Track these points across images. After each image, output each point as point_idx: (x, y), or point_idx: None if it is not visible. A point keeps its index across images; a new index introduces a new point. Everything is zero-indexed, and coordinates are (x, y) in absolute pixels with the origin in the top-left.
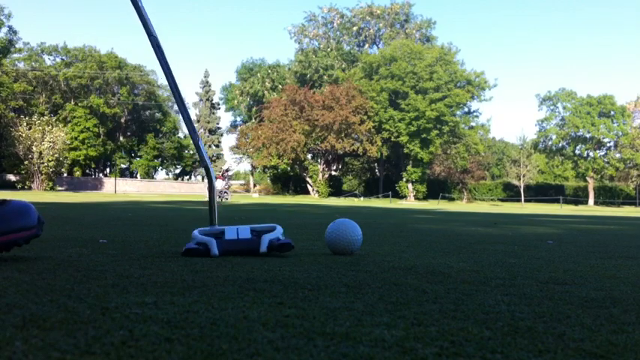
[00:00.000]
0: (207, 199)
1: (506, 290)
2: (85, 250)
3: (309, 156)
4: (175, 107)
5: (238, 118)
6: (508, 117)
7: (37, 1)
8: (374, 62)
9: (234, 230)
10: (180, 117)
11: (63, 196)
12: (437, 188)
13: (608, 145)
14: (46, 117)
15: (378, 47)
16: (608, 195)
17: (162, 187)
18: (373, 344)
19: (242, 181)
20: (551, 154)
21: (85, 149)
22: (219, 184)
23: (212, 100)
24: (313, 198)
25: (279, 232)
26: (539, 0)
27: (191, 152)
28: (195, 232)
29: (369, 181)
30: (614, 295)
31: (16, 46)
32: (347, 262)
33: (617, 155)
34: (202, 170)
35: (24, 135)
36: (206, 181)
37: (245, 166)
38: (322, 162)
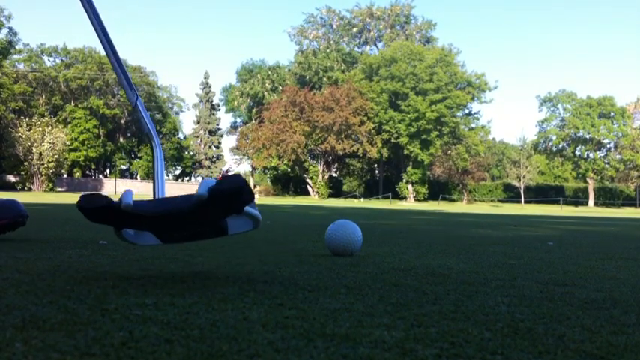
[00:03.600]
0: None
1: (507, 291)
2: (85, 252)
3: (309, 157)
4: (175, 108)
5: (238, 120)
6: (508, 118)
7: (37, 2)
8: (374, 63)
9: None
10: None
11: (63, 197)
12: (437, 189)
13: (608, 146)
14: (46, 118)
15: (378, 48)
16: (608, 196)
17: None
18: (373, 345)
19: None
20: (551, 155)
21: (85, 150)
22: None
23: (212, 101)
24: (313, 199)
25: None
26: (539, 1)
27: (191, 153)
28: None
29: (369, 183)
30: (614, 296)
31: (16, 47)
32: (347, 263)
33: (617, 156)
34: (202, 171)
35: (24, 136)
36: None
37: (245, 167)
38: (322, 163)
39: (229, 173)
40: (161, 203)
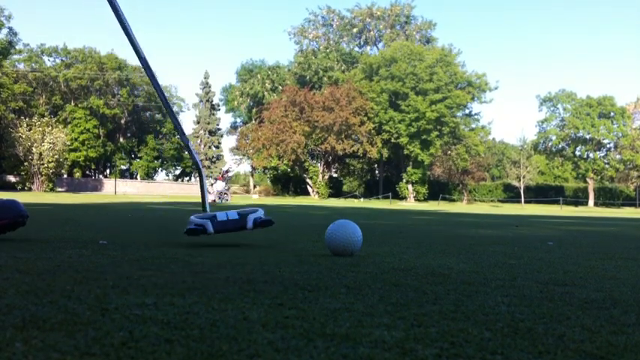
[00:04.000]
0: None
1: (507, 291)
2: (85, 252)
3: (309, 157)
4: (175, 108)
5: (238, 120)
6: (508, 118)
7: (37, 2)
8: (374, 63)
9: (223, 214)
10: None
11: (63, 197)
12: (437, 189)
13: (608, 146)
14: (46, 118)
15: (378, 48)
16: (608, 196)
17: (162, 188)
18: (373, 345)
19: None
20: (551, 155)
21: (85, 150)
22: (219, 186)
23: (212, 101)
24: (313, 199)
25: (261, 212)
26: (539, 1)
27: None
28: (192, 217)
29: (369, 182)
30: (614, 296)
31: (16, 47)
32: (347, 263)
33: (617, 156)
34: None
35: (24, 136)
36: (209, 181)
37: (245, 167)
38: (322, 163)
39: (229, 173)
40: (221, 225)
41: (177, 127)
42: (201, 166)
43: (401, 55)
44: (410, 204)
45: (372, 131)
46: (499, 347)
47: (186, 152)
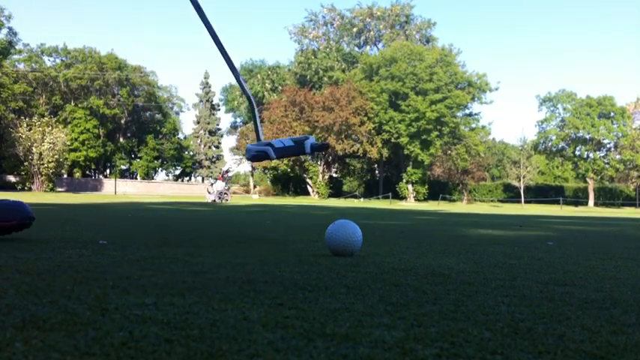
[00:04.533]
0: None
1: (507, 291)
2: (85, 252)
3: (309, 157)
4: (175, 108)
5: (238, 120)
6: (508, 118)
7: (37, 2)
8: (374, 63)
9: (279, 142)
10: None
11: (63, 197)
12: (437, 189)
13: (608, 146)
14: (46, 118)
15: (378, 48)
16: (608, 196)
17: (162, 188)
18: (373, 345)
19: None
20: (551, 155)
21: (85, 150)
22: (218, 185)
23: (212, 101)
24: (313, 199)
25: (312, 139)
26: (539, 1)
27: (191, 153)
28: (249, 145)
29: (369, 182)
30: (614, 296)
31: (16, 47)
32: (347, 263)
33: (617, 156)
34: (202, 171)
35: (24, 136)
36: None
37: (245, 167)
38: (322, 163)
39: (229, 173)
40: (280, 151)
41: (230, 66)
42: (253, 100)
43: (401, 55)
44: (410, 204)
45: (372, 131)
46: (499, 347)
47: (194, 154)
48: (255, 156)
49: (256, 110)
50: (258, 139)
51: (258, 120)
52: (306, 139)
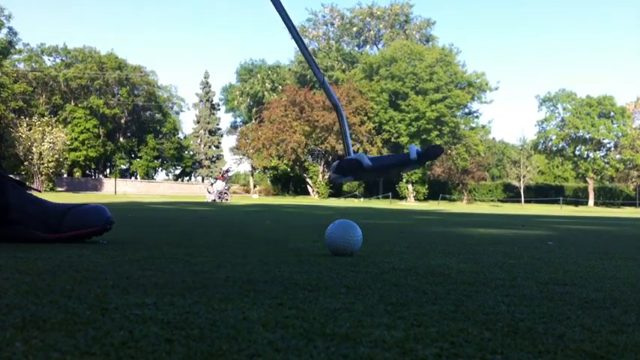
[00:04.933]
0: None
1: (507, 291)
2: (85, 251)
3: (310, 157)
4: (175, 108)
5: (238, 119)
6: (508, 118)
7: (37, 2)
8: (374, 63)
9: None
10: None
11: (63, 197)
12: (437, 189)
13: (608, 145)
14: (46, 118)
15: (378, 48)
16: (608, 196)
17: (162, 188)
18: (373, 345)
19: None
20: (551, 155)
21: (85, 150)
22: (219, 185)
23: (212, 101)
24: (313, 199)
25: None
26: (539, 1)
27: (191, 153)
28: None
29: (369, 182)
30: (614, 295)
31: (16, 47)
32: (347, 263)
33: (617, 156)
34: (202, 171)
35: (24, 136)
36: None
37: (245, 167)
38: (322, 163)
39: (229, 173)
40: (379, 160)
41: (312, 64)
42: (340, 107)
43: (401, 54)
44: (410, 204)
45: (372, 131)
46: (499, 347)
47: (195, 154)
48: (341, 168)
49: (345, 120)
50: (348, 154)
51: (347, 131)
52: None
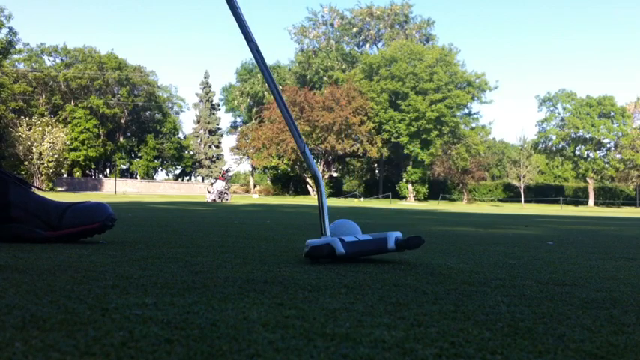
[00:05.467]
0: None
1: (507, 291)
2: (85, 251)
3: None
4: (175, 108)
5: (238, 119)
6: (508, 118)
7: (37, 2)
8: (374, 63)
9: (352, 237)
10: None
11: (63, 197)
12: (437, 189)
13: (608, 145)
14: (46, 118)
15: (378, 48)
16: (608, 196)
17: (162, 188)
18: (373, 345)
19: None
20: (551, 155)
21: (85, 150)
22: (219, 185)
23: (212, 100)
24: (313, 199)
25: (398, 233)
26: (539, 1)
27: (191, 153)
28: (310, 240)
29: (369, 182)
30: (614, 296)
31: (16, 47)
32: (347, 263)
33: (617, 156)
34: (202, 171)
35: (24, 136)
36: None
37: (245, 167)
38: (322, 163)
39: (229, 173)
40: (354, 246)
41: (293, 131)
42: (321, 179)
43: (401, 54)
44: (410, 204)
45: (372, 131)
46: (499, 347)
47: (195, 154)
48: (315, 248)
49: (324, 194)
50: (323, 233)
51: (325, 206)
52: (385, 235)
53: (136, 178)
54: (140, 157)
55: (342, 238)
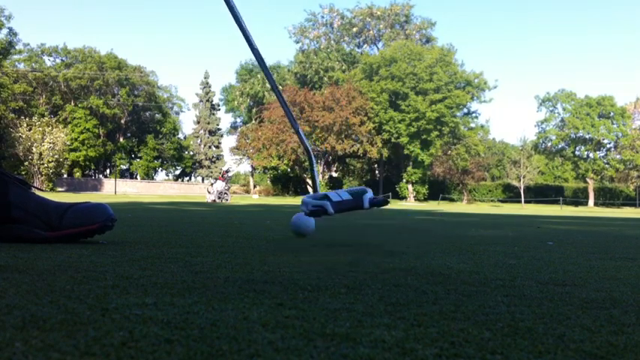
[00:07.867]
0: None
1: (507, 291)
2: (85, 252)
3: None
4: (175, 108)
5: (238, 120)
6: (508, 118)
7: (37, 2)
8: (374, 63)
9: (336, 195)
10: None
11: (63, 197)
12: (437, 189)
13: (607, 146)
14: (46, 118)
15: (378, 48)
16: (608, 196)
17: (162, 188)
18: (373, 345)
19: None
20: (551, 155)
21: (84, 150)
22: (219, 185)
23: (212, 101)
24: None
25: (370, 192)
26: (539, 1)
27: (191, 153)
28: (306, 198)
29: (369, 182)
30: (614, 296)
31: (16, 47)
32: (347, 263)
33: (617, 156)
34: (202, 171)
35: (24, 136)
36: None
37: (245, 167)
38: (322, 163)
39: (229, 173)
40: (340, 205)
41: (288, 114)
42: (312, 153)
43: (401, 55)
44: (410, 204)
45: (372, 131)
46: (499, 347)
47: (195, 154)
48: (313, 211)
49: (314, 162)
50: (315, 190)
51: (316, 173)
52: (363, 193)
53: (136, 178)
54: (140, 158)
55: (331, 199)
